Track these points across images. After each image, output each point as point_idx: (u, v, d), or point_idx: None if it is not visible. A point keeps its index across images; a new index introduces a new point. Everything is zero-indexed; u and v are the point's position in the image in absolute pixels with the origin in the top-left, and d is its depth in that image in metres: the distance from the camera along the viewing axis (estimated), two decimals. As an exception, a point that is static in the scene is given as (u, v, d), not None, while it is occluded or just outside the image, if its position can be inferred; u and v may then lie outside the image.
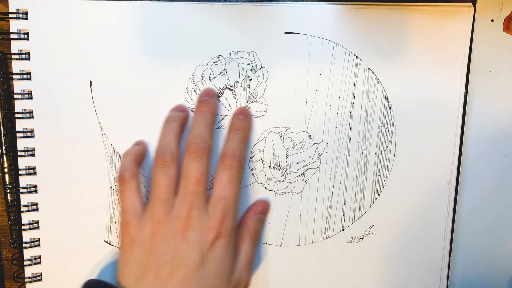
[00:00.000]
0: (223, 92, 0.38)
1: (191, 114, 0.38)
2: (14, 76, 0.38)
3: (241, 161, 0.36)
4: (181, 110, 0.38)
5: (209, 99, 0.37)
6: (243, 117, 0.38)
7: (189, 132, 0.36)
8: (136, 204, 0.35)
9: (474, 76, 0.38)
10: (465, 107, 0.38)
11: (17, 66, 0.38)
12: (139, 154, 0.38)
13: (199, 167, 0.34)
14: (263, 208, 0.39)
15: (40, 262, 0.39)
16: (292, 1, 0.38)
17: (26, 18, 0.37)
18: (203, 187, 0.35)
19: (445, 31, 0.37)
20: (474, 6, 0.37)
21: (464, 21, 0.37)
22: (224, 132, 0.38)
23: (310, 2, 0.38)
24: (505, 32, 0.38)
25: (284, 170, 0.39)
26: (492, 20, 0.38)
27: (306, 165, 0.39)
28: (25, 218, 0.39)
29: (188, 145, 0.35)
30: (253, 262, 0.38)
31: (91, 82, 0.38)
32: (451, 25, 0.37)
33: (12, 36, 0.37)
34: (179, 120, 0.37)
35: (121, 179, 0.36)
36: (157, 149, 0.36)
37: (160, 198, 0.34)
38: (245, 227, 0.38)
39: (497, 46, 0.38)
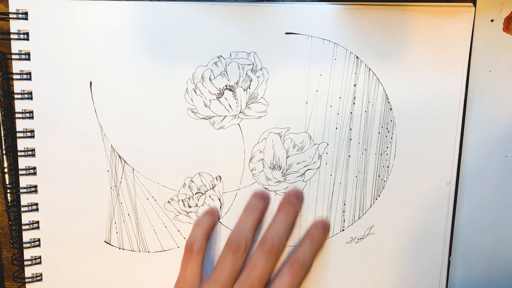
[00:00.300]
0: (223, 92, 0.38)
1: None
2: (14, 76, 0.38)
3: (307, 268, 0.36)
4: (263, 198, 0.38)
5: (296, 204, 0.38)
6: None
7: (269, 227, 0.37)
8: (196, 278, 0.36)
9: (474, 76, 0.38)
10: (465, 107, 0.38)
11: (17, 66, 0.38)
12: (211, 227, 0.38)
13: (267, 264, 0.35)
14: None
15: (40, 262, 0.39)
16: (292, 2, 0.38)
17: (26, 19, 0.37)
18: (264, 284, 0.35)
19: (445, 31, 0.37)
20: (474, 6, 0.37)
21: (465, 21, 0.37)
22: (223, 133, 0.38)
23: (310, 2, 0.37)
24: (505, 32, 0.38)
25: (284, 171, 0.39)
26: (492, 20, 0.38)
27: (306, 165, 0.39)
28: (25, 218, 0.39)
29: (265, 240, 0.36)
30: None
31: (91, 83, 0.38)
32: (452, 25, 0.37)
33: (12, 36, 0.37)
34: (260, 210, 0.38)
35: (189, 249, 0.37)
36: (233, 232, 0.36)
37: (220, 281, 0.35)
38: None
39: (497, 46, 0.38)
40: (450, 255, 0.40)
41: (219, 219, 0.39)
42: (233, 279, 0.35)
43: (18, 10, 0.37)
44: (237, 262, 0.35)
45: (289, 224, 0.37)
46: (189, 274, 0.36)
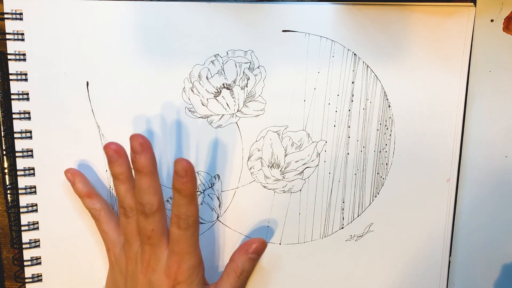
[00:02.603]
0: (220, 91, 0.38)
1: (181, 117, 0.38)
2: (11, 77, 0.38)
3: (190, 219, 0.33)
4: (115, 159, 0.35)
5: (140, 156, 0.33)
6: (182, 177, 0.32)
7: (135, 192, 0.34)
8: (111, 235, 0.37)
9: (474, 76, 0.38)
10: (465, 107, 0.38)
11: (13, 67, 0.38)
12: (88, 188, 0.38)
13: (148, 224, 0.34)
14: (258, 247, 0.37)
15: (40, 263, 0.39)
16: (290, 1, 0.37)
17: (21, 19, 0.37)
18: (157, 239, 0.34)
19: (445, 31, 0.37)
20: (474, 6, 0.37)
21: (465, 21, 0.37)
22: (221, 131, 0.38)
23: (308, 2, 0.37)
24: (505, 32, 0.37)
25: (283, 169, 0.39)
26: (492, 20, 0.37)
27: (305, 163, 0.39)
28: (25, 219, 0.39)
29: (136, 206, 0.35)
30: None
31: (87, 83, 0.38)
32: (452, 25, 0.37)
33: (7, 36, 0.37)
34: (123, 175, 0.35)
35: (93, 217, 0.38)
36: (118, 202, 0.36)
37: (128, 241, 0.36)
38: (232, 265, 0.37)
39: (497, 46, 0.37)
40: (450, 255, 0.40)
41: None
42: (137, 235, 0.35)
43: (13, 10, 0.37)
44: (131, 224, 0.35)
45: (149, 184, 0.33)
46: (104, 236, 0.37)
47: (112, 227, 0.37)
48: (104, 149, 0.35)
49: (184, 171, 0.32)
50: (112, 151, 0.35)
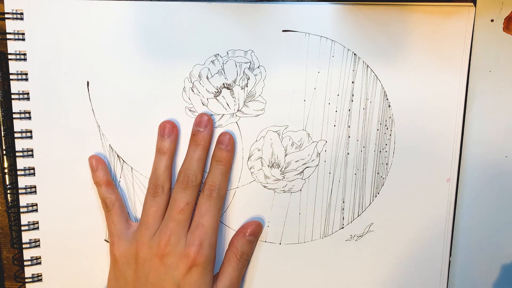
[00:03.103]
0: (220, 91, 0.38)
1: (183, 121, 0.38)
2: (11, 77, 0.38)
3: (221, 192, 0.37)
4: (168, 133, 0.38)
5: (203, 131, 0.37)
6: (225, 146, 0.37)
7: (183, 163, 0.38)
8: (120, 227, 0.38)
9: (474, 76, 0.38)
10: (465, 107, 0.38)
11: (13, 67, 0.38)
12: (109, 177, 0.39)
13: (185, 197, 0.36)
14: (254, 229, 0.39)
15: (40, 263, 0.39)
16: (290, 1, 0.37)
17: (22, 19, 0.37)
18: (187, 216, 0.36)
19: (445, 31, 0.37)
20: (474, 6, 0.37)
21: (465, 21, 0.37)
22: (222, 130, 0.38)
23: (308, 2, 0.37)
24: (505, 32, 0.37)
25: (283, 169, 0.39)
26: (492, 20, 0.37)
27: (305, 163, 0.39)
28: (25, 219, 0.39)
29: (179, 176, 0.37)
30: (239, 285, 0.39)
31: (88, 83, 0.38)
32: (452, 25, 0.37)
33: (8, 36, 0.37)
34: (169, 151, 0.38)
35: (103, 206, 0.38)
36: (150, 178, 0.38)
37: (146, 223, 0.37)
38: (232, 249, 0.38)
39: (497, 46, 0.37)
40: (450, 255, 0.40)
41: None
42: (158, 218, 0.37)
43: (13, 10, 0.37)
44: (157, 203, 0.37)
45: (201, 156, 0.37)
46: (112, 226, 0.38)
47: (122, 220, 0.38)
48: (160, 125, 0.38)
49: (228, 140, 0.37)
50: (170, 126, 0.38)
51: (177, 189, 0.37)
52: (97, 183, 0.38)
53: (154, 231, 0.36)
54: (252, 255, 0.40)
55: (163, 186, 0.37)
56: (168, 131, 0.38)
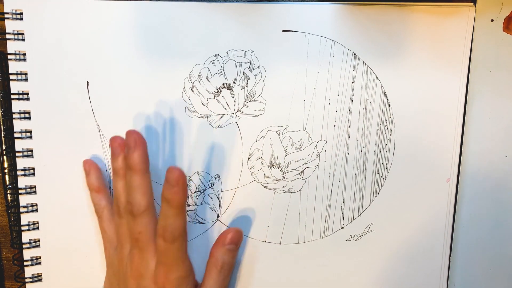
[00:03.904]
0: (220, 91, 0.38)
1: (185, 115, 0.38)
2: (11, 77, 0.38)
3: (176, 233, 0.33)
4: (118, 153, 0.35)
5: (132, 153, 0.33)
6: (173, 186, 0.31)
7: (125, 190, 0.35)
8: (110, 234, 0.37)
9: (474, 76, 0.38)
10: (465, 107, 0.38)
11: (13, 67, 0.38)
12: (100, 183, 0.38)
13: (135, 226, 0.34)
14: (233, 237, 0.37)
15: (40, 263, 0.39)
16: (290, 1, 0.37)
17: (21, 19, 0.37)
18: (145, 242, 0.34)
19: (445, 31, 0.37)
20: (474, 6, 0.37)
21: (465, 21, 0.37)
22: (221, 131, 0.38)
23: (308, 2, 0.37)
24: (505, 32, 0.37)
25: (283, 169, 0.39)
26: (492, 20, 0.37)
27: (305, 163, 0.39)
28: (25, 219, 0.39)
29: (124, 206, 0.35)
30: None
31: (88, 83, 0.38)
32: (452, 25, 0.37)
33: (8, 36, 0.37)
34: (124, 170, 0.35)
35: (96, 214, 0.38)
36: (113, 200, 0.36)
37: (119, 242, 0.36)
38: (211, 260, 0.36)
39: (497, 46, 0.37)
40: (450, 255, 0.40)
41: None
42: (128, 238, 0.35)
43: (13, 10, 0.37)
44: (123, 223, 0.35)
45: (139, 180, 0.33)
46: (103, 233, 0.37)
47: (113, 227, 0.37)
48: (110, 141, 0.35)
49: (176, 180, 0.31)
50: (117, 145, 0.35)
51: (128, 218, 0.34)
52: (89, 188, 0.38)
53: (127, 249, 0.35)
54: (245, 256, 0.39)
55: (124, 207, 0.35)
56: (117, 151, 0.35)
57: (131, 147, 0.33)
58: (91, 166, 0.38)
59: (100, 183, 0.38)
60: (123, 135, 0.38)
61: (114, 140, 0.35)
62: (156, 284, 0.34)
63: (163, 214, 0.32)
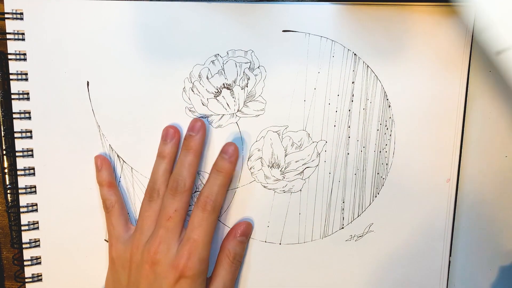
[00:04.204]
0: (220, 91, 0.38)
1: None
2: (11, 77, 0.38)
3: (217, 205, 0.36)
4: (171, 138, 0.38)
5: (195, 135, 0.37)
6: (228, 157, 0.37)
7: (174, 169, 0.37)
8: (118, 229, 0.38)
9: (474, 76, 0.38)
10: (465, 107, 0.38)
11: (13, 67, 0.38)
12: (111, 179, 0.39)
13: (173, 203, 0.35)
14: (244, 230, 0.39)
15: (40, 263, 0.39)
16: (290, 1, 0.37)
17: (22, 19, 0.37)
18: (176, 223, 0.35)
19: (445, 31, 0.37)
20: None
21: (465, 21, 0.37)
22: (221, 131, 0.38)
23: (308, 2, 0.37)
24: (505, 32, 0.37)
25: (283, 169, 0.39)
26: (491, 20, 0.37)
27: (305, 163, 0.39)
28: (25, 219, 0.39)
29: (169, 182, 0.37)
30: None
31: (88, 82, 0.38)
32: (452, 25, 0.37)
33: (8, 36, 0.37)
34: (169, 155, 0.38)
35: (104, 207, 0.39)
36: (148, 183, 0.38)
37: (140, 227, 0.37)
38: (224, 251, 0.38)
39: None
40: (450, 255, 0.40)
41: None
42: (153, 223, 0.36)
43: (13, 10, 0.37)
44: (151, 208, 0.37)
45: (191, 162, 0.36)
46: (111, 228, 0.38)
47: (121, 222, 0.38)
48: (163, 129, 0.38)
49: (232, 151, 0.36)
50: (172, 130, 0.38)
51: (167, 196, 0.36)
52: (99, 183, 0.38)
53: (148, 236, 0.36)
54: (244, 256, 0.40)
55: (159, 190, 0.37)
56: (170, 135, 0.38)
57: (195, 130, 0.37)
58: (103, 162, 0.38)
59: (111, 178, 0.39)
60: (123, 135, 0.38)
61: (169, 126, 0.38)
62: (175, 267, 0.34)
63: (209, 184, 0.36)
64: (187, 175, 0.36)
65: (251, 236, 0.39)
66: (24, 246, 0.39)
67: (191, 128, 0.37)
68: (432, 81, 0.38)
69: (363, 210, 0.39)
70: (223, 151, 0.37)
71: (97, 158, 0.39)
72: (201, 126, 0.37)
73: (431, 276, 0.40)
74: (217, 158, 0.37)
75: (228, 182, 0.37)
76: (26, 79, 0.38)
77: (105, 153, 0.39)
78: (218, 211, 0.36)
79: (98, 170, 0.38)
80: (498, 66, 0.31)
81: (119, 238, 0.37)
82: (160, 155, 0.38)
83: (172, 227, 0.35)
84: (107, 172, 0.38)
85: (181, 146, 0.38)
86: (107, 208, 0.38)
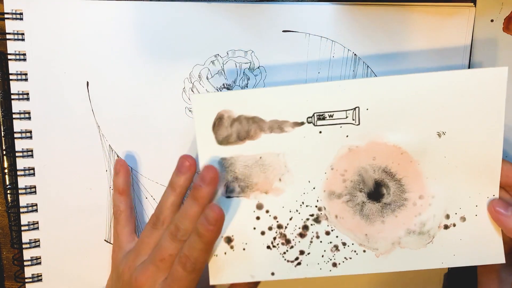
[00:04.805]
0: (220, 91, 0.38)
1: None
2: (11, 77, 0.38)
3: (197, 266, 0.33)
4: (185, 171, 0.35)
5: (205, 188, 0.33)
6: (214, 223, 0.32)
7: (178, 212, 0.35)
8: (121, 238, 0.37)
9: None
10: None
11: (13, 67, 0.38)
12: (125, 186, 0.38)
13: (170, 248, 0.34)
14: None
15: (40, 263, 0.39)
16: (290, 1, 0.37)
17: (21, 19, 0.37)
18: (167, 266, 0.34)
19: (445, 31, 0.37)
20: (474, 6, 0.37)
21: (465, 21, 0.37)
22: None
23: (308, 2, 0.37)
24: (505, 32, 0.37)
25: None
26: (492, 20, 0.37)
27: None
28: (25, 219, 0.39)
29: (171, 223, 0.34)
30: None
31: (88, 83, 0.38)
32: (452, 25, 0.37)
33: (8, 36, 0.37)
34: (180, 189, 0.35)
35: (113, 212, 0.38)
36: (155, 209, 0.36)
37: (137, 250, 0.36)
38: None
39: (497, 46, 0.37)
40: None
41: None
42: (149, 250, 0.35)
43: (13, 10, 0.37)
44: (152, 235, 0.35)
45: (195, 215, 0.33)
46: (115, 236, 0.38)
47: (126, 232, 0.38)
48: (180, 158, 0.35)
49: (215, 219, 0.32)
50: (188, 164, 0.35)
51: (166, 236, 0.34)
52: (113, 187, 0.38)
53: (141, 260, 0.35)
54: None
55: (163, 221, 0.35)
56: (185, 168, 0.35)
57: (205, 180, 0.33)
58: (122, 167, 0.38)
59: (125, 185, 0.38)
60: (123, 135, 0.38)
61: (185, 158, 0.35)
62: None
63: (190, 245, 0.33)
64: (189, 226, 0.33)
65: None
66: (24, 246, 0.39)
67: (202, 178, 0.33)
68: (432, 81, 0.38)
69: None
70: (206, 216, 0.32)
71: (117, 162, 0.38)
72: (213, 179, 0.33)
73: (431, 276, 0.39)
74: (200, 220, 0.32)
75: (211, 246, 0.33)
76: (26, 79, 0.38)
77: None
78: (199, 271, 0.33)
79: (115, 173, 0.38)
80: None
81: (120, 248, 0.37)
82: (171, 186, 0.35)
83: (163, 268, 0.34)
84: (122, 178, 0.38)
85: (189, 194, 0.34)
86: (114, 214, 0.38)
